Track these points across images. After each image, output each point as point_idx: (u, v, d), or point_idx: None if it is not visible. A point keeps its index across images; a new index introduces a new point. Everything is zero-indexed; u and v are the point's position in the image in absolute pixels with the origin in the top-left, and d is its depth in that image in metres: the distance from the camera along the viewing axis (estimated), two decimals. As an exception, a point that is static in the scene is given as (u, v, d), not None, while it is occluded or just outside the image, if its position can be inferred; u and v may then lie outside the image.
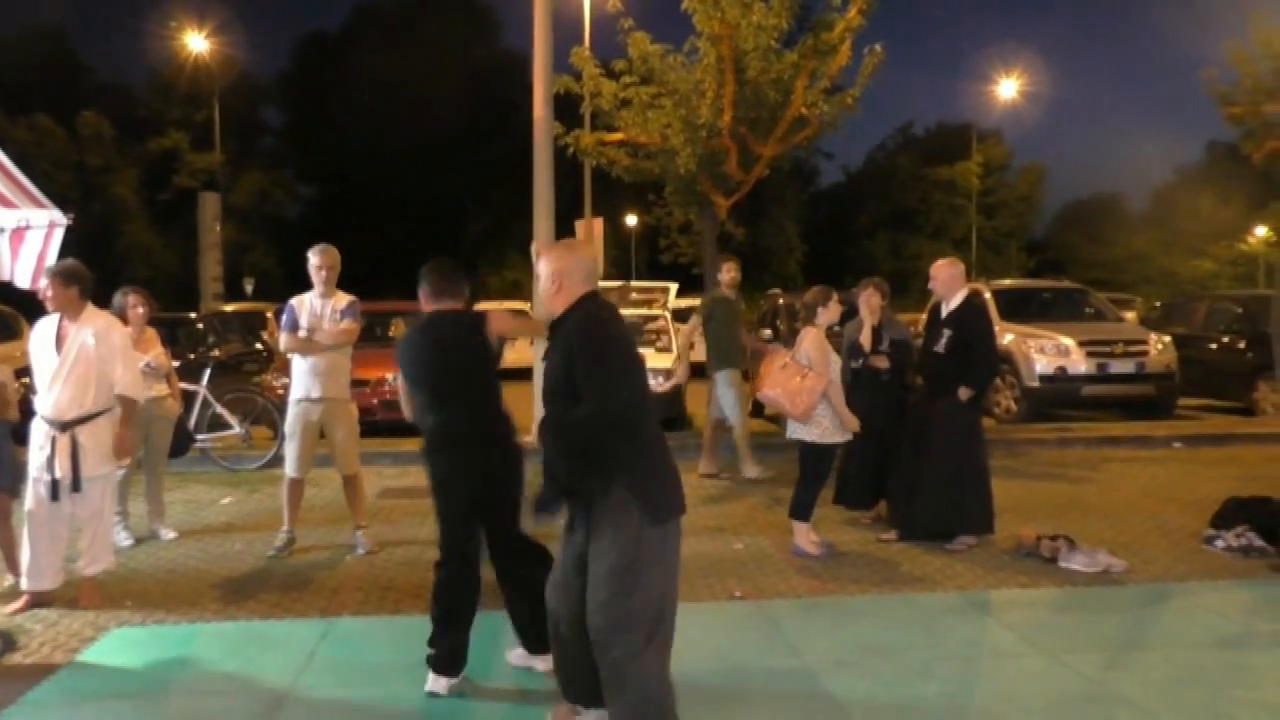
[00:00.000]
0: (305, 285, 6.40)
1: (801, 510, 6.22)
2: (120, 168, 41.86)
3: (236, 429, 9.36)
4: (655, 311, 14.25)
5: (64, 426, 5.18)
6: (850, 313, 7.28)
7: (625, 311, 13.98)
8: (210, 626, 5.04)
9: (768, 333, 15.26)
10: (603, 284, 17.58)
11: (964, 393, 6.26)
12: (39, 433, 5.23)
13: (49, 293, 5.26)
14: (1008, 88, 41.51)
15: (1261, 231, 43.41)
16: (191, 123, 42.72)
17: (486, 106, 46.06)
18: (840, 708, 3.68)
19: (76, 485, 5.20)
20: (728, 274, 8.85)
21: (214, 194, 28.17)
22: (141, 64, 70.99)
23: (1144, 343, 12.33)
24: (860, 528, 6.89)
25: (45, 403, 5.21)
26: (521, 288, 33.09)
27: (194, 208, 26.68)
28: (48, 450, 5.18)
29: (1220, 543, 6.27)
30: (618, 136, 12.22)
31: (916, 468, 6.40)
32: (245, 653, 4.65)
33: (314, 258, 6.29)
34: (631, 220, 47.27)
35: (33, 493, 5.23)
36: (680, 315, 15.05)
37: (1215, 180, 48.33)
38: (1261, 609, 5.23)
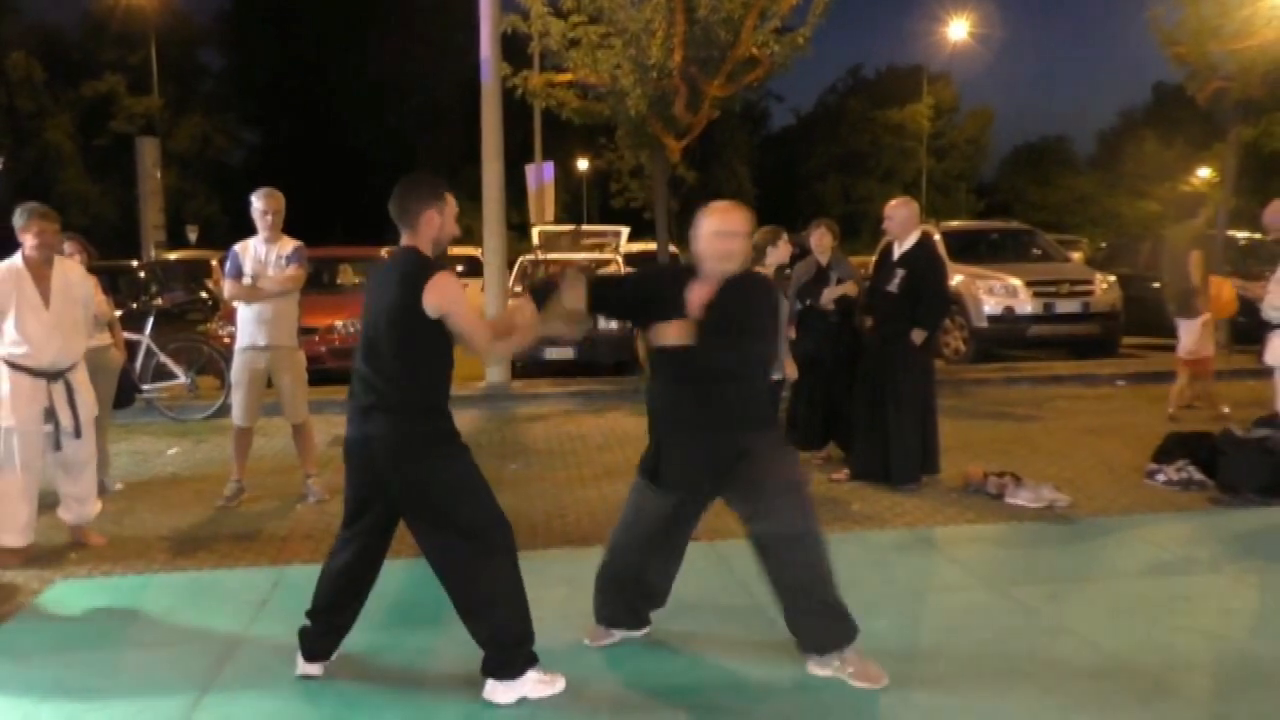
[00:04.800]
0: (250, 231, 6.26)
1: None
2: (53, 112, 40.48)
3: (182, 379, 9.21)
4: (607, 256, 14.15)
5: (57, 375, 5.13)
6: (800, 255, 7.29)
7: (577, 256, 13.88)
8: (159, 578, 4.98)
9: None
10: (554, 228, 17.22)
11: (918, 335, 6.27)
12: (23, 385, 5.04)
13: (46, 238, 5.07)
14: (958, 29, 41.43)
15: (1205, 173, 44.06)
16: (127, 65, 41.32)
17: (432, 47, 45.10)
18: (792, 645, 3.74)
19: (78, 431, 5.23)
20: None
21: (153, 139, 27.29)
22: (73, 4, 68.52)
23: (1089, 283, 12.51)
24: (811, 468, 6.96)
25: (40, 353, 5.05)
26: (472, 234, 32.55)
27: (132, 154, 25.83)
28: (44, 402, 5.08)
29: (1161, 477, 6.42)
30: (567, 77, 11.99)
31: (880, 416, 6.39)
32: (195, 603, 4.61)
33: (258, 202, 6.14)
34: (583, 164, 46.82)
35: (21, 448, 5.07)
36: (632, 260, 14.95)
37: (1160, 122, 48.99)
38: (1200, 540, 5.37)
